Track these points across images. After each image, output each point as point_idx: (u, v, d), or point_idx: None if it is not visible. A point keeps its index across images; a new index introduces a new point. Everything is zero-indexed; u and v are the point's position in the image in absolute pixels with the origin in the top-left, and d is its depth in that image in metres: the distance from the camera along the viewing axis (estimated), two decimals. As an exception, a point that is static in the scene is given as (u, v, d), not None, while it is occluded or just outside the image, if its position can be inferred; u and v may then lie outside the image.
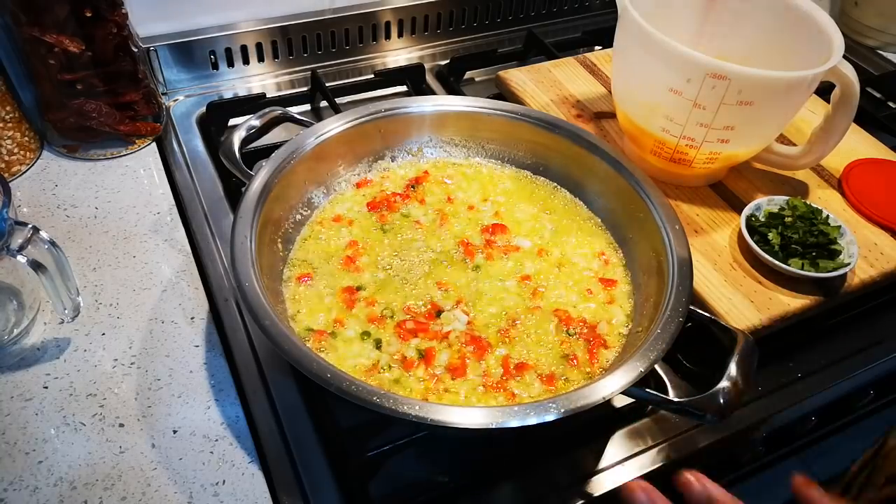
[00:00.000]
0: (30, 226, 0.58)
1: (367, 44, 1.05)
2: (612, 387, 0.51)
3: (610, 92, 0.89)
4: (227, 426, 0.60)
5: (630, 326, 0.64)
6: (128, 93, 0.82)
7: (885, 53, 1.20)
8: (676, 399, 0.56)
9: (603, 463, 0.61)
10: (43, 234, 0.58)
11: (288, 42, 0.99)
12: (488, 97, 0.86)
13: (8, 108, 0.78)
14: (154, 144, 0.87)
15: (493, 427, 0.49)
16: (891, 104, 1.10)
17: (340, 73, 1.03)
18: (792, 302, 0.69)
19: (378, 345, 0.61)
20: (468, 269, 0.68)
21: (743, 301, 0.69)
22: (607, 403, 0.52)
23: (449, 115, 0.77)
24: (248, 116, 0.74)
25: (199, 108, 0.93)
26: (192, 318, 0.68)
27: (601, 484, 0.59)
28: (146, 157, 0.85)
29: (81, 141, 0.83)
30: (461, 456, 0.60)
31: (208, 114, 0.91)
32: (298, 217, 0.70)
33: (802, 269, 0.69)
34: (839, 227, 0.73)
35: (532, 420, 0.49)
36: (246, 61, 0.98)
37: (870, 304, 0.76)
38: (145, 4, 0.89)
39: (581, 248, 0.71)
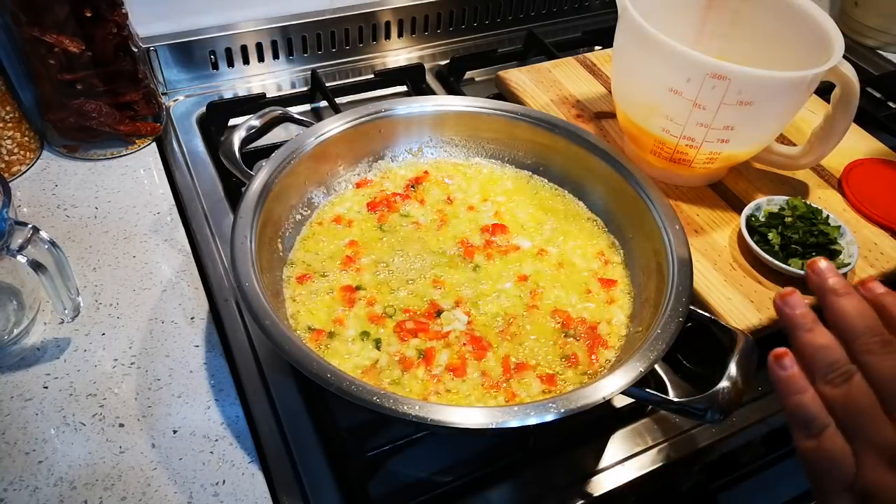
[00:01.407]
0: (30, 226, 0.58)
1: (367, 44, 1.05)
2: (612, 387, 0.51)
3: (610, 92, 0.89)
4: (227, 426, 0.60)
5: (630, 326, 0.64)
6: (128, 93, 0.82)
7: (885, 53, 1.20)
8: (676, 399, 0.56)
9: (603, 463, 0.61)
10: (43, 234, 0.58)
11: (288, 42, 0.99)
12: (488, 97, 0.86)
13: (8, 108, 0.78)
14: (154, 144, 0.87)
15: (493, 427, 0.49)
16: (891, 104, 1.10)
17: (340, 73, 1.03)
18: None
19: (378, 345, 0.61)
20: (468, 269, 0.68)
21: (743, 301, 0.69)
22: (607, 403, 0.52)
23: (449, 115, 0.77)
24: (248, 116, 0.74)
25: (199, 108, 0.93)
26: (192, 318, 0.68)
27: (601, 484, 0.59)
28: (146, 157, 0.85)
29: (81, 141, 0.83)
30: (461, 456, 0.60)
31: (208, 114, 0.91)
32: (298, 217, 0.70)
33: (802, 269, 0.69)
34: (839, 227, 0.73)
35: (532, 420, 0.49)
36: (246, 61, 0.98)
37: (870, 304, 0.76)
38: (145, 4, 0.89)
39: (581, 248, 0.71)
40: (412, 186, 0.76)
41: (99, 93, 0.79)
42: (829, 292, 0.41)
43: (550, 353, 0.61)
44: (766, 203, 0.76)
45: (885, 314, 0.41)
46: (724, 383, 0.53)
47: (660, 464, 0.61)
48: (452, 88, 1.01)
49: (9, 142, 0.79)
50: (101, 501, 0.54)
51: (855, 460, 0.39)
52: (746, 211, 0.75)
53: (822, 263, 0.42)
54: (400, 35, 1.06)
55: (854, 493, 0.38)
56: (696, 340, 0.63)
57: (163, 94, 0.94)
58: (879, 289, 0.42)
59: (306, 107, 0.98)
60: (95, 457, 0.57)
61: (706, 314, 0.60)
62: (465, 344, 0.61)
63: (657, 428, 0.63)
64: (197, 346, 0.65)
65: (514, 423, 0.49)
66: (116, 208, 0.78)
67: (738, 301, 0.69)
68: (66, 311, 0.62)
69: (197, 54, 0.95)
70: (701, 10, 0.83)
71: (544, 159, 0.77)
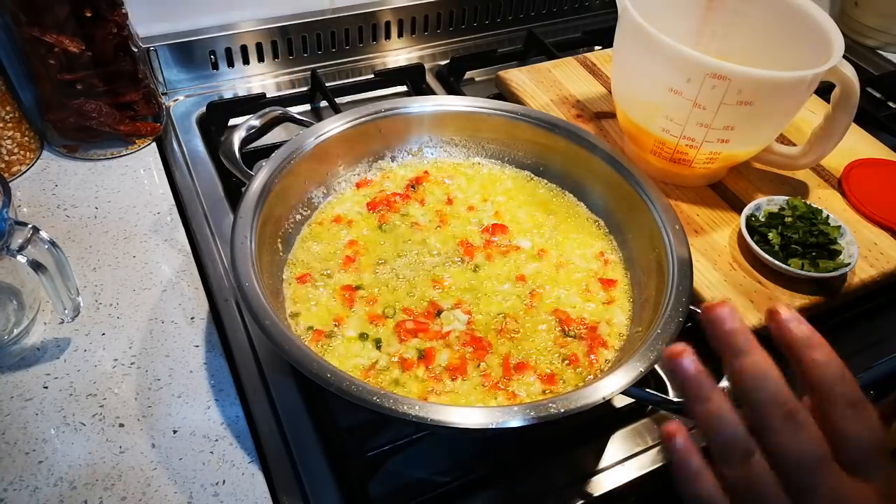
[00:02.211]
0: (30, 226, 0.57)
1: (367, 44, 1.05)
2: (612, 387, 0.51)
3: (610, 92, 0.89)
4: (227, 426, 0.60)
5: (630, 326, 0.64)
6: (128, 93, 0.82)
7: (885, 53, 1.20)
8: (676, 399, 0.56)
9: (603, 463, 0.61)
10: (43, 234, 0.58)
11: (288, 42, 0.99)
12: (488, 97, 0.86)
13: (8, 108, 0.78)
14: (154, 144, 0.87)
15: (493, 427, 0.49)
16: (891, 104, 1.09)
17: (340, 73, 1.03)
18: (792, 302, 0.69)
19: (378, 345, 0.61)
20: (468, 269, 0.68)
21: (743, 301, 0.69)
22: (607, 403, 0.52)
23: (449, 115, 0.77)
24: (248, 116, 0.74)
25: (199, 108, 0.93)
26: (192, 318, 0.68)
27: (601, 484, 0.59)
28: (146, 157, 0.85)
29: (81, 141, 0.83)
30: (461, 456, 0.60)
31: (208, 114, 0.91)
32: (298, 217, 0.70)
33: (802, 269, 0.69)
34: (839, 227, 0.73)
35: (532, 420, 0.49)
36: (246, 61, 0.98)
37: (870, 304, 0.76)
38: (145, 4, 0.89)
39: (581, 248, 0.71)
40: (412, 186, 0.76)
41: (99, 93, 0.79)
42: (727, 351, 0.35)
43: (550, 353, 0.61)
44: (766, 203, 0.76)
45: (798, 359, 0.35)
46: (724, 383, 0.53)
47: (660, 464, 0.61)
48: (452, 88, 1.01)
49: (9, 142, 0.79)
50: (101, 501, 0.54)
51: None
52: (746, 211, 0.75)
53: (724, 310, 0.35)
54: (400, 35, 1.06)
55: None
56: (696, 340, 0.62)
57: (163, 94, 0.94)
58: (792, 322, 0.35)
59: (306, 107, 0.98)
60: (95, 457, 0.57)
61: (706, 314, 0.60)
62: (464, 344, 0.61)
63: (657, 428, 0.63)
64: (197, 346, 0.65)
65: (514, 423, 0.49)
66: (116, 208, 0.78)
67: (738, 301, 0.69)
68: (66, 311, 0.62)
69: (197, 54, 0.95)
70: (701, 10, 0.83)
71: (544, 159, 0.77)
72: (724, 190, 0.82)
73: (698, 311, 0.60)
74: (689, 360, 0.36)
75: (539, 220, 0.74)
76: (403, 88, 1.02)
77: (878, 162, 0.87)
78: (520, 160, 0.79)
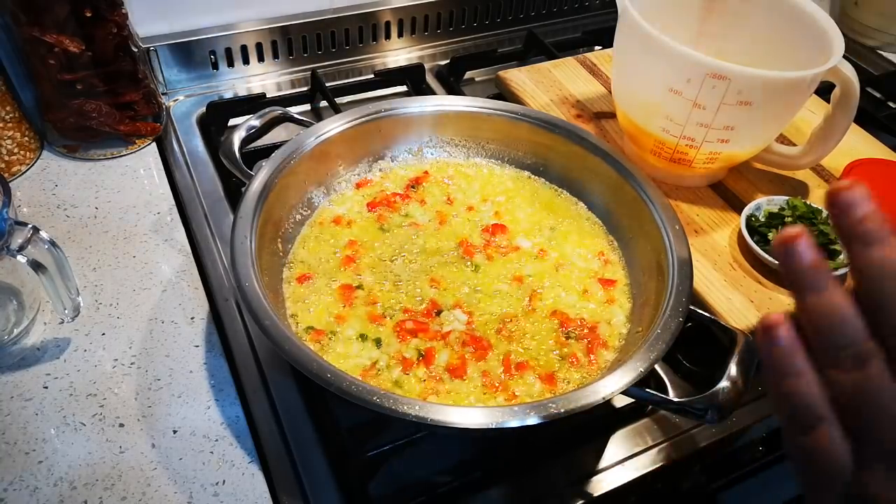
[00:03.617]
0: (30, 226, 0.57)
1: (367, 44, 1.05)
2: (612, 387, 0.51)
3: (610, 92, 0.89)
4: (227, 426, 0.60)
5: (630, 326, 0.64)
6: (128, 93, 0.82)
7: (885, 53, 1.20)
8: (676, 399, 0.56)
9: (603, 463, 0.61)
10: (43, 234, 0.58)
11: (288, 42, 0.99)
12: (488, 97, 0.86)
13: (8, 108, 0.78)
14: (154, 144, 0.87)
15: (493, 427, 0.49)
16: (891, 104, 1.10)
17: (340, 73, 1.03)
18: (792, 302, 0.69)
19: (378, 345, 0.61)
20: (468, 270, 0.68)
21: (743, 301, 0.69)
22: (607, 403, 0.52)
23: (449, 115, 0.77)
24: (248, 116, 0.74)
25: (199, 108, 0.93)
26: (192, 318, 0.68)
27: (601, 484, 0.59)
28: (146, 157, 0.85)
29: (81, 141, 0.83)
30: (461, 456, 0.60)
31: (208, 114, 0.91)
32: (298, 217, 0.70)
33: (802, 269, 0.69)
34: (839, 227, 0.73)
35: (532, 420, 0.49)
36: (246, 61, 0.98)
37: (870, 304, 0.75)
38: (145, 4, 0.89)
39: (581, 248, 0.71)
40: (412, 186, 0.76)
41: (99, 93, 0.79)
42: (856, 241, 0.30)
43: (550, 352, 0.61)
44: (766, 203, 0.76)
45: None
46: (724, 383, 0.53)
47: (660, 464, 0.61)
48: (452, 88, 1.01)
49: (9, 142, 0.79)
50: (101, 501, 0.54)
51: (854, 465, 0.30)
52: (746, 211, 0.75)
53: (856, 194, 0.30)
54: (400, 35, 1.06)
55: (843, 498, 0.31)
56: (696, 340, 0.63)
57: (163, 94, 0.94)
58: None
59: (306, 107, 0.98)
60: (95, 457, 0.57)
61: (706, 314, 0.60)
62: (464, 344, 0.61)
63: (657, 428, 0.63)
64: (197, 346, 0.65)
65: (514, 423, 0.49)
66: (116, 208, 0.78)
67: (738, 301, 0.69)
68: (66, 311, 0.62)
69: (197, 54, 0.95)
70: (701, 10, 0.83)
71: (544, 159, 0.77)
72: (724, 190, 0.82)
73: (698, 311, 0.60)
74: (806, 246, 0.30)
75: (539, 220, 0.74)
76: (403, 88, 1.02)
77: (878, 162, 0.87)
78: (520, 160, 0.79)
